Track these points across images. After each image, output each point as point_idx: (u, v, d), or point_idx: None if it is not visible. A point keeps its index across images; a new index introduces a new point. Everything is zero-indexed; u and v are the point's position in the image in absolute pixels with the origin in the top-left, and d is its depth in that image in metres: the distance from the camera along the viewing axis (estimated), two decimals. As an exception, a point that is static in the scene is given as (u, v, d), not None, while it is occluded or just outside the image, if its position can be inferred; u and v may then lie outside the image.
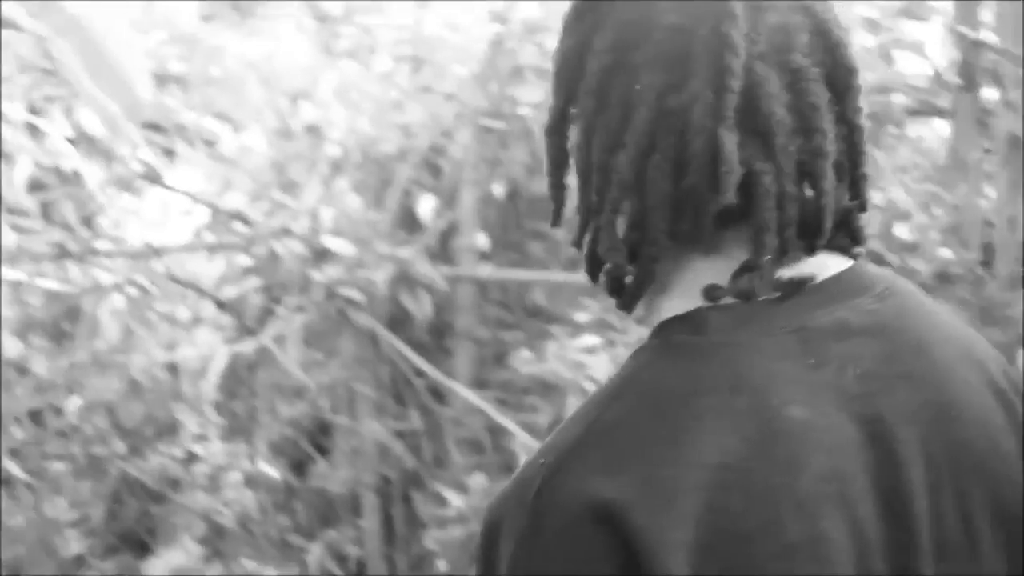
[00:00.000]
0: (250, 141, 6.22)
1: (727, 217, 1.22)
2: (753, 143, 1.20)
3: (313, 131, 5.82)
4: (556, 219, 1.31)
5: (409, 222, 5.68)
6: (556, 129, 1.29)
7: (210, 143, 6.26)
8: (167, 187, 6.16)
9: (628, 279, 1.26)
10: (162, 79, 6.40)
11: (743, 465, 1.13)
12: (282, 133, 5.95)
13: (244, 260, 5.81)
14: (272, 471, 5.47)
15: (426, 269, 5.44)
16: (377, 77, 5.85)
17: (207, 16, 7.00)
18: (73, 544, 5.54)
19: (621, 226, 1.24)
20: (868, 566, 1.15)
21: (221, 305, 5.87)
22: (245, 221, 5.86)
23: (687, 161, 1.19)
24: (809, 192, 1.24)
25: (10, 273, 5.67)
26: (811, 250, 1.25)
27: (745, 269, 1.22)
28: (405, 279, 5.43)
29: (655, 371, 1.20)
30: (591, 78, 1.22)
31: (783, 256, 1.22)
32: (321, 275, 5.48)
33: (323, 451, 5.78)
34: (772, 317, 1.20)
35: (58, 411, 5.69)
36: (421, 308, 5.45)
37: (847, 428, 1.17)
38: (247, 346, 5.65)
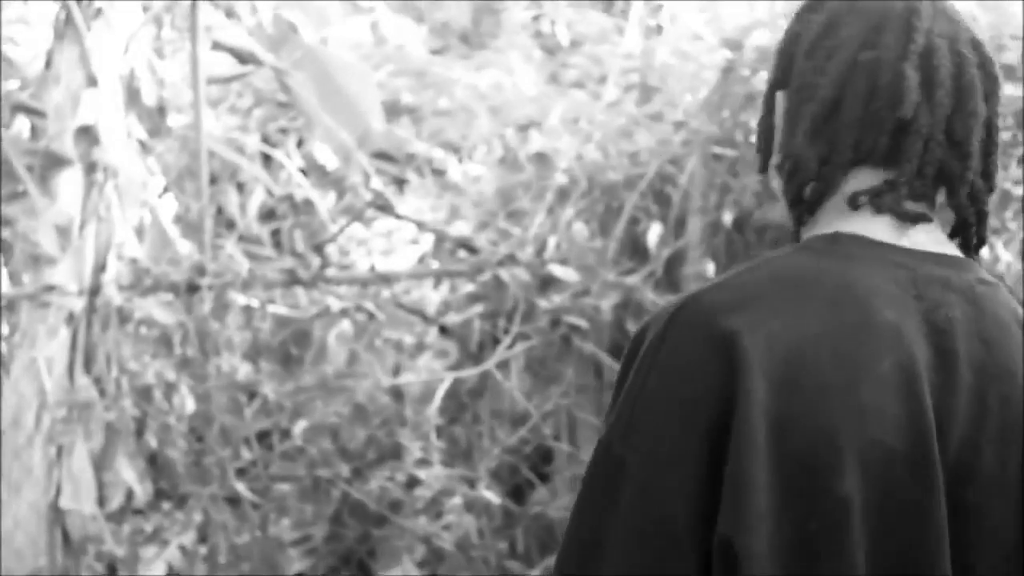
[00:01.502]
0: (477, 170, 6.26)
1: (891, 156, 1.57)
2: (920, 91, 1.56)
3: (540, 159, 5.82)
4: (763, 165, 1.66)
5: (635, 250, 5.63)
6: (779, 84, 1.64)
7: (439, 172, 6.32)
8: (398, 216, 6.23)
9: (808, 190, 1.60)
10: (393, 110, 6.50)
11: (837, 334, 1.46)
12: (509, 162, 5.96)
13: (468, 287, 5.82)
14: (492, 496, 5.45)
15: (652, 297, 5.38)
16: (605, 106, 5.83)
17: (437, 49, 7.11)
18: (296, 563, 5.61)
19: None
20: (921, 451, 1.45)
21: (445, 331, 5.90)
22: (471, 249, 5.89)
23: (876, 92, 1.55)
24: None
25: (241, 298, 5.78)
26: (957, 207, 1.58)
27: (887, 185, 1.56)
28: (630, 307, 5.37)
29: (789, 259, 1.55)
30: (805, 43, 1.60)
31: (921, 190, 1.56)
32: (546, 302, 5.47)
33: (544, 478, 5.75)
34: (891, 255, 1.54)
35: (285, 433, 5.77)
36: (646, 336, 5.38)
37: (925, 347, 1.49)
38: (471, 372, 5.65)
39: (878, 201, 1.56)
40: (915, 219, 1.56)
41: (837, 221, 1.58)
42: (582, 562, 1.48)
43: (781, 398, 1.43)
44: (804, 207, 1.61)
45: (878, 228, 1.56)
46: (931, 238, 1.58)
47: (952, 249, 1.59)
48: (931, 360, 1.49)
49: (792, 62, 1.62)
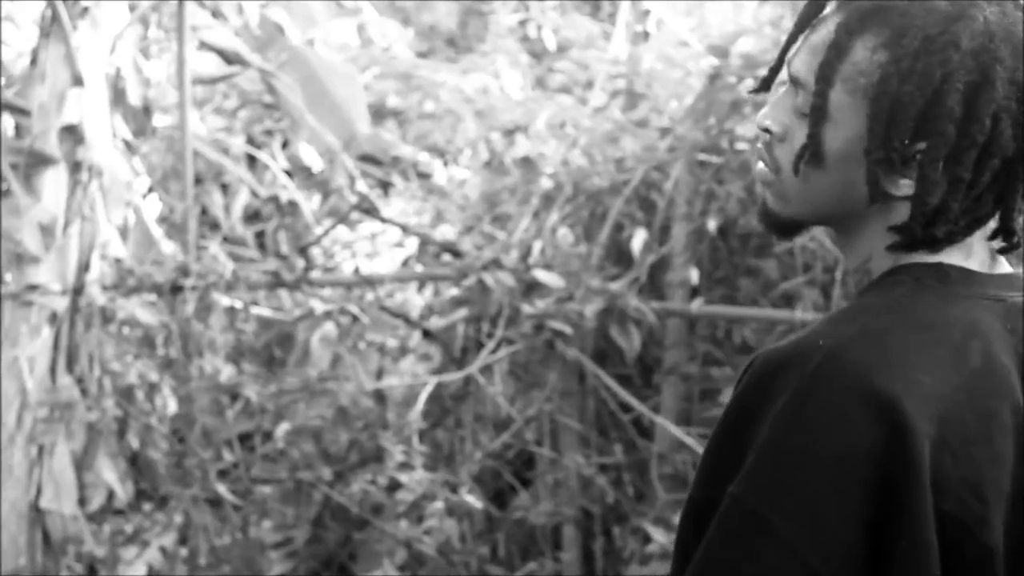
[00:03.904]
0: (462, 174, 6.26)
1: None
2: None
3: (526, 164, 5.82)
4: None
5: (620, 256, 5.63)
6: (912, 136, 1.56)
7: (424, 176, 6.32)
8: (382, 219, 6.22)
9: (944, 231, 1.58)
10: (379, 113, 6.50)
11: (971, 387, 1.51)
12: (494, 166, 5.96)
13: (453, 291, 5.82)
14: (474, 501, 5.44)
15: (635, 303, 5.38)
16: (591, 111, 5.83)
17: (423, 52, 7.11)
18: (276, 566, 5.60)
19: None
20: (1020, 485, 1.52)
21: (428, 335, 5.89)
22: (456, 253, 5.89)
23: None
24: None
25: (225, 300, 5.77)
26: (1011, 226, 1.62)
27: (1005, 231, 1.61)
28: (614, 313, 5.37)
29: (914, 302, 1.56)
30: (983, 95, 1.53)
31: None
32: (530, 307, 5.46)
33: (525, 483, 5.75)
34: (986, 285, 1.59)
35: (267, 435, 5.76)
36: (629, 342, 5.38)
37: (1019, 383, 1.55)
38: (454, 376, 5.65)
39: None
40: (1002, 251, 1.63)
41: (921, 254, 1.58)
42: None
43: (935, 458, 1.46)
44: (931, 241, 1.58)
45: (958, 255, 1.59)
46: (991, 256, 1.63)
47: (1003, 265, 1.64)
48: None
49: (944, 110, 1.53)
